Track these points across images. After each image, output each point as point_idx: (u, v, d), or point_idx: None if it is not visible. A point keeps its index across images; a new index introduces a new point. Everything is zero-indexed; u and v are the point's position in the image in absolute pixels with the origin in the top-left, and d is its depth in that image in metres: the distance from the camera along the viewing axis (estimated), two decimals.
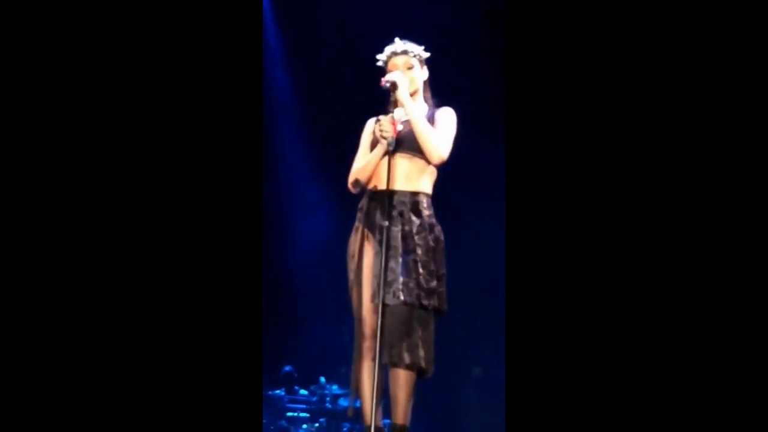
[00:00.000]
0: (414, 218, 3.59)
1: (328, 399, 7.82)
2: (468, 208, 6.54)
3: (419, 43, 3.87)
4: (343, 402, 7.58)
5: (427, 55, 3.82)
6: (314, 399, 7.92)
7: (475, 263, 6.28)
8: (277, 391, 7.99)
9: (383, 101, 3.78)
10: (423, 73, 3.83)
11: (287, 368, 8.19)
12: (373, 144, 3.73)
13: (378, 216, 3.60)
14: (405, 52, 3.79)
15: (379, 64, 3.85)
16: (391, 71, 3.75)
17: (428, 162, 3.65)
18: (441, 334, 3.65)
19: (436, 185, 3.76)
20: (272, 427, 7.66)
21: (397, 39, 3.84)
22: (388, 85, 3.68)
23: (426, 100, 3.83)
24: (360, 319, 3.60)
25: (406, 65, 3.77)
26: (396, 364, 3.48)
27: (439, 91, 3.92)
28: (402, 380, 3.49)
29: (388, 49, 3.83)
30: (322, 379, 7.95)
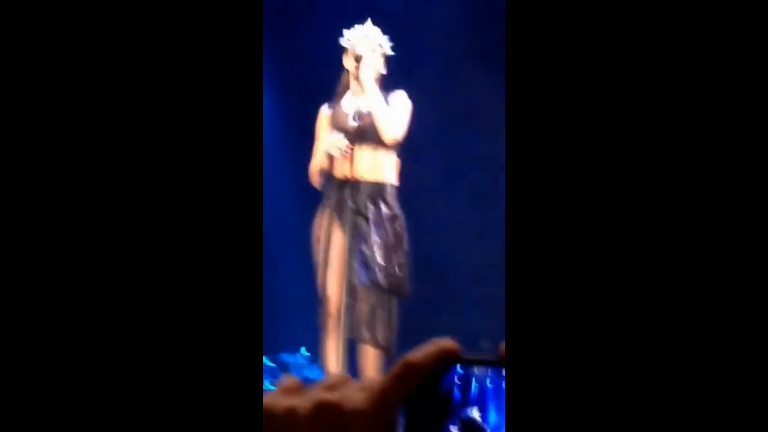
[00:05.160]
0: (381, 207, 3.72)
1: (291, 369, 8.07)
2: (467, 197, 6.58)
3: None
4: (307, 372, 7.84)
5: (390, 52, 3.76)
6: (275, 367, 8.14)
7: None
8: None
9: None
10: (382, 67, 3.76)
11: None
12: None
13: (345, 203, 3.69)
14: (374, 37, 3.71)
15: (344, 43, 3.77)
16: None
17: (386, 146, 3.70)
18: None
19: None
20: None
21: (369, 21, 3.77)
22: (352, 57, 3.63)
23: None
24: (326, 298, 3.78)
25: (371, 49, 3.72)
26: (363, 341, 3.72)
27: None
28: (369, 356, 3.74)
29: (358, 29, 3.75)
30: (303, 349, 8.11)
